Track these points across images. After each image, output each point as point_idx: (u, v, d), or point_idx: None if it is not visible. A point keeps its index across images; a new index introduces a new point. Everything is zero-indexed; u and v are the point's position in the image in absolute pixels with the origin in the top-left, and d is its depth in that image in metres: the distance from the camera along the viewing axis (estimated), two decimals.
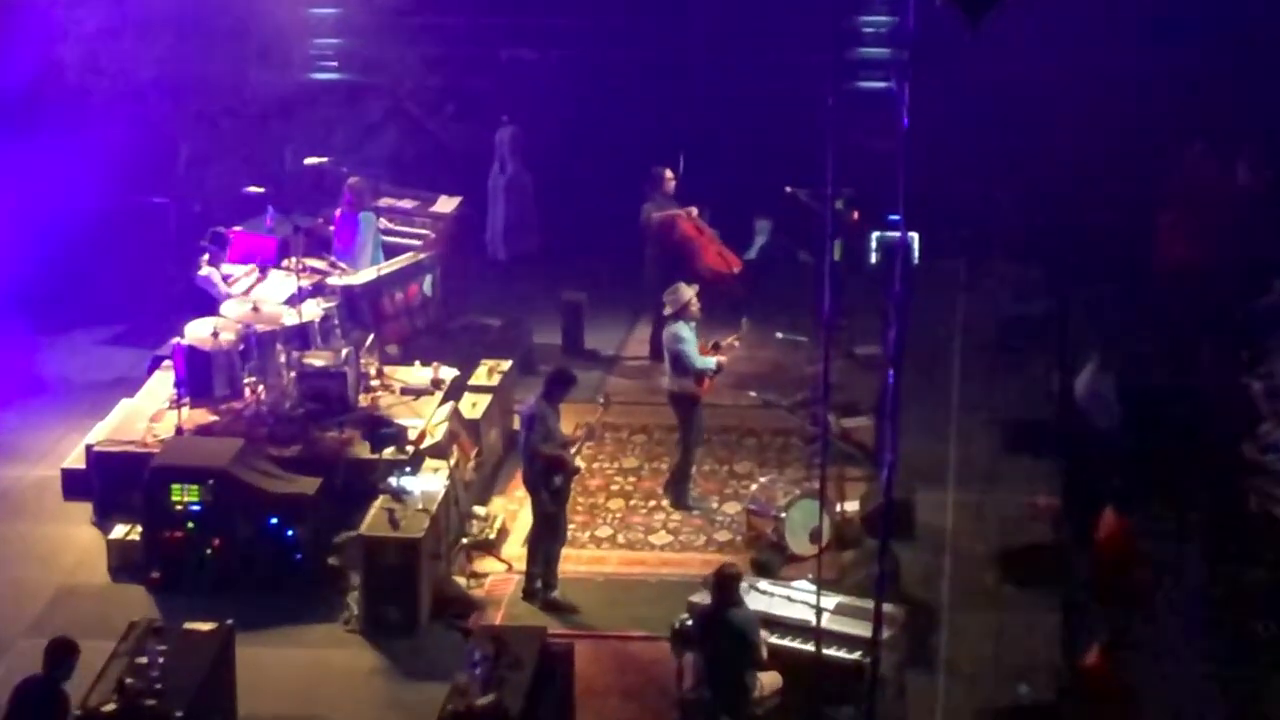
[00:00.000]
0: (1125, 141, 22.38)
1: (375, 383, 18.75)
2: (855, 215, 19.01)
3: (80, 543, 17.42)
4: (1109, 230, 21.48)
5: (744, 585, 14.75)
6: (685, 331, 17.99)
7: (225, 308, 18.66)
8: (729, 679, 14.39)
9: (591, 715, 14.75)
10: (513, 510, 17.92)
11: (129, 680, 12.88)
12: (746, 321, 18.79)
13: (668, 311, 18.17)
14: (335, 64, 25.06)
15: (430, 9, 24.61)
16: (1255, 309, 19.51)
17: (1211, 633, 16.16)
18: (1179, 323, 20.08)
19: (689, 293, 18.08)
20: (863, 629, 14.09)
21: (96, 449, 17.91)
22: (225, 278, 19.32)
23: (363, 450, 17.61)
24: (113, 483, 17.56)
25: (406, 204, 22.12)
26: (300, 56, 24.69)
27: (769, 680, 14.49)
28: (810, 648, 14.01)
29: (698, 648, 14.62)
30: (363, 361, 18.66)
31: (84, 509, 17.80)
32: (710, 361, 17.93)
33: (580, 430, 17.20)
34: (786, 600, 14.95)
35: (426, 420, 18.06)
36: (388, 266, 20.44)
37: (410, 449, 17.49)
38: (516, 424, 17.77)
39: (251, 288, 19.18)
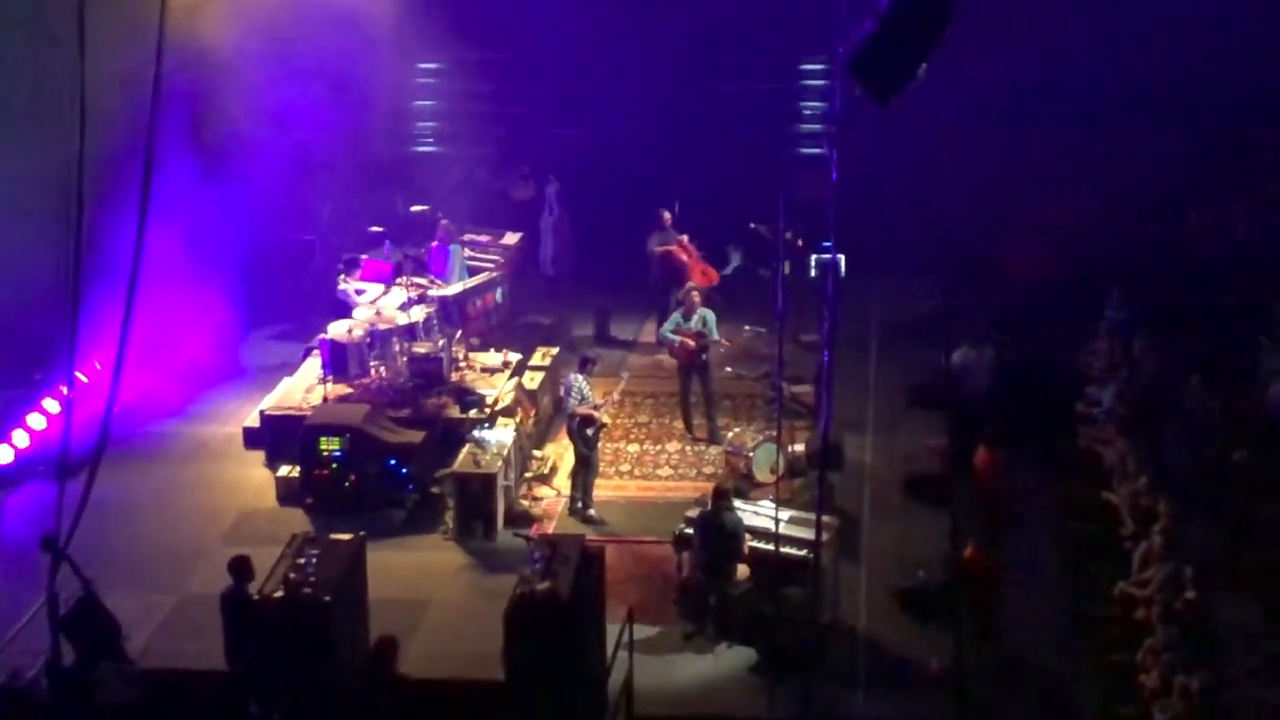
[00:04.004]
0: (1010, 183, 22.20)
1: (462, 364, 18.64)
2: (800, 243, 18.85)
3: (256, 479, 17.40)
4: (990, 248, 21.25)
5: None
6: (674, 314, 18.21)
7: (356, 313, 18.55)
8: (719, 566, 14.32)
9: (617, 597, 14.54)
10: (560, 453, 17.81)
11: (292, 575, 12.80)
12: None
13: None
14: (432, 140, 25.03)
15: (494, 100, 24.54)
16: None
17: (1057, 536, 16.19)
18: (1030, 315, 19.91)
19: (691, 295, 18.25)
20: (808, 533, 14.10)
21: (267, 413, 17.93)
22: (357, 291, 19.15)
23: (455, 411, 17.56)
24: (279, 436, 17.53)
25: (483, 238, 21.85)
26: (408, 133, 24.68)
27: (740, 570, 14.45)
28: (771, 547, 14.08)
29: (696, 542, 14.43)
30: (454, 349, 18.58)
31: (258, 456, 17.77)
32: (669, 335, 18.05)
33: (605, 398, 17.13)
34: (754, 514, 14.93)
35: (499, 390, 18.00)
36: (471, 282, 20.26)
37: (488, 410, 17.47)
38: (562, 391, 17.75)
39: (376, 299, 19.09)
